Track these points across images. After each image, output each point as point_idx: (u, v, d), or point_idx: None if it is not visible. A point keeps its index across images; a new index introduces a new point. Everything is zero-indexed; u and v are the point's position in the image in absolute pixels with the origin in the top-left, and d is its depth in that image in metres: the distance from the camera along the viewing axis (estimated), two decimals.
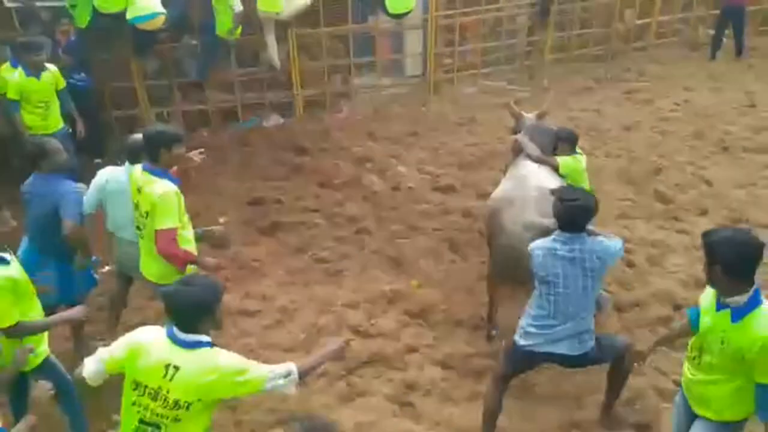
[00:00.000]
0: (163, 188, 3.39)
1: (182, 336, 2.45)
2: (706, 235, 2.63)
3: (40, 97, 5.65)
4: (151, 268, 3.63)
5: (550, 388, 3.99)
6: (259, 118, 7.97)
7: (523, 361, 3.45)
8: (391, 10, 7.46)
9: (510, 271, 4.10)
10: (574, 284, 3.21)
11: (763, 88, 8.57)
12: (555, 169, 4.52)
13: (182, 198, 3.50)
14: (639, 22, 9.80)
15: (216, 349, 2.50)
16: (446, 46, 8.72)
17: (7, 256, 2.98)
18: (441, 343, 4.42)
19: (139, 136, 3.90)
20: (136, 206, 3.55)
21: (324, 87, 8.21)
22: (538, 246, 3.30)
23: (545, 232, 3.53)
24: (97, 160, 6.94)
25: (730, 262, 2.52)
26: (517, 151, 4.71)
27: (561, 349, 3.28)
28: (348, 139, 7.46)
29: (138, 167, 3.53)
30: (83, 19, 6.44)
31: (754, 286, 2.56)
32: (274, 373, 2.52)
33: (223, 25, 6.75)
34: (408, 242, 5.61)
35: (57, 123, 5.83)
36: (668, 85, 8.87)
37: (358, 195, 6.36)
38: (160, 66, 7.66)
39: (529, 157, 4.54)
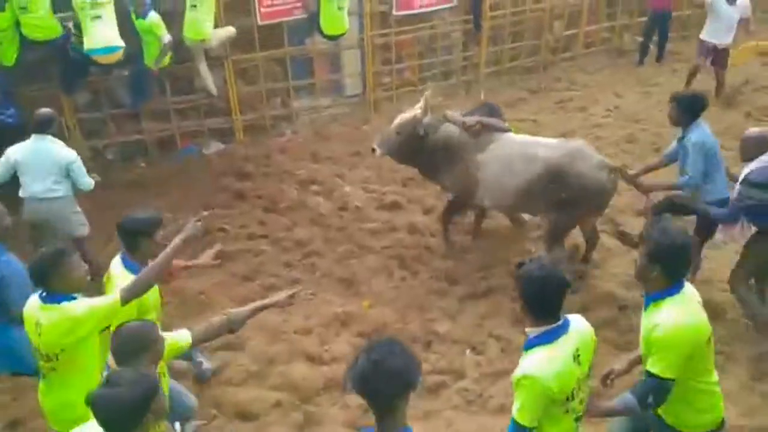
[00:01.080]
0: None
1: None
2: (518, 266, 2.58)
3: None
4: None
5: (505, 400, 4.02)
6: (199, 146, 7.83)
7: None
8: (326, 32, 7.54)
9: (597, 206, 5.02)
10: None
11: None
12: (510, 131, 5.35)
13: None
14: (567, 33, 10.15)
15: None
16: (383, 64, 8.81)
17: None
18: None
19: (45, 109, 4.92)
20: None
21: (263, 111, 8.15)
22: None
23: (610, 169, 4.81)
24: None
25: (526, 297, 2.50)
26: (478, 132, 5.18)
27: None
28: (291, 162, 7.41)
29: (117, 260, 3.35)
30: (9, 57, 6.25)
31: (554, 325, 2.50)
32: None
33: (151, 55, 6.65)
34: (358, 262, 5.60)
35: None
36: (599, 92, 9.21)
37: (305, 218, 6.30)
38: (91, 98, 7.43)
39: (500, 129, 5.25)
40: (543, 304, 2.49)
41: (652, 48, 10.12)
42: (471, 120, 5.22)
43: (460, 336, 4.65)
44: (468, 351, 4.49)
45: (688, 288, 2.72)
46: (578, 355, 2.52)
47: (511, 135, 5.28)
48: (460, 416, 3.92)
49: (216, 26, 7.18)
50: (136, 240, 3.29)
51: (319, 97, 8.57)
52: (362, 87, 8.81)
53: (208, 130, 7.91)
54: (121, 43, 6.25)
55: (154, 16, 6.42)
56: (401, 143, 5.32)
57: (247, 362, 4.41)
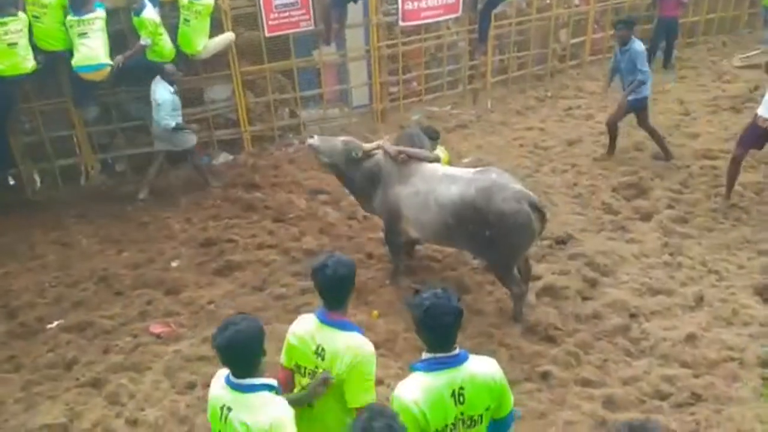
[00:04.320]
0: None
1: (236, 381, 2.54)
2: (415, 292, 2.58)
3: None
4: None
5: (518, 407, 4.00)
6: (208, 157, 7.88)
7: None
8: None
9: (526, 241, 4.70)
10: None
11: (694, 98, 8.98)
12: (438, 161, 5.18)
13: None
14: (574, 41, 10.17)
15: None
16: (390, 74, 8.85)
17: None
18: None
19: None
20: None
21: (272, 121, 8.20)
22: None
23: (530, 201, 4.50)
24: None
25: (418, 325, 2.51)
26: (405, 162, 5.02)
27: None
28: (300, 172, 7.45)
29: (313, 320, 2.86)
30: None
31: (442, 355, 2.48)
32: None
33: (155, 53, 6.77)
34: (367, 272, 5.59)
35: None
36: (606, 99, 9.18)
37: (314, 228, 6.32)
38: (101, 112, 7.49)
39: (426, 159, 5.01)
40: (432, 332, 2.46)
41: (659, 54, 10.11)
42: (393, 149, 5.06)
43: (469, 346, 4.61)
44: None
45: None
46: (460, 395, 2.44)
47: (432, 167, 5.00)
48: None
49: None
50: (345, 290, 2.82)
51: (327, 107, 8.62)
52: (369, 97, 8.85)
53: (217, 142, 7.97)
54: (107, 60, 6.31)
55: (145, 14, 6.45)
56: (338, 153, 5.34)
57: None
